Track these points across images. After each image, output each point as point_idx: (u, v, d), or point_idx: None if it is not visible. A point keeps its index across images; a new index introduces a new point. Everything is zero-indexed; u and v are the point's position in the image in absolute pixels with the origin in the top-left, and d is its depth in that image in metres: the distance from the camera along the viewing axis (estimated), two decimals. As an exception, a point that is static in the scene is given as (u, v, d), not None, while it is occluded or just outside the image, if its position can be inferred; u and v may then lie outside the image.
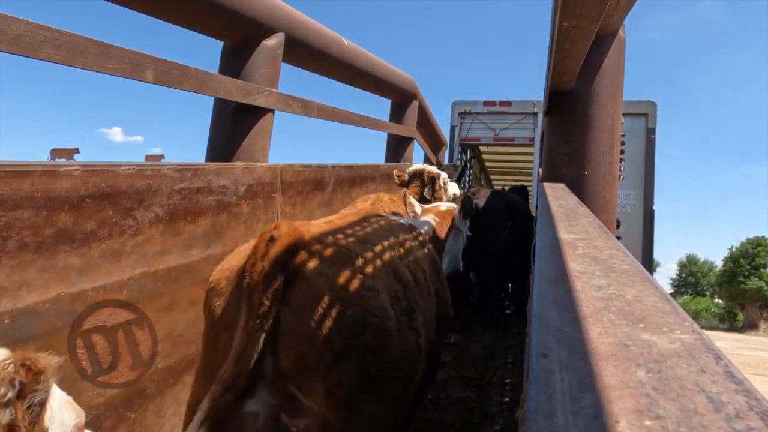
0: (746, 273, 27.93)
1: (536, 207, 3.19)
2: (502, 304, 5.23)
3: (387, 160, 5.69)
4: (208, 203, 2.26)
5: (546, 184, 2.63)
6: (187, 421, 1.39)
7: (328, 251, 1.45)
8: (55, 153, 11.35)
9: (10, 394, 0.87)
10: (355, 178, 3.97)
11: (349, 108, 4.10)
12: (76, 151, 11.46)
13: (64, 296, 1.59)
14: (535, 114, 7.75)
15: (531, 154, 8.41)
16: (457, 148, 8.24)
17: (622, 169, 6.52)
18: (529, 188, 7.85)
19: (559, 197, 2.08)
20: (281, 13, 3.01)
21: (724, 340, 17.13)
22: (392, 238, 1.84)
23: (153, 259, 1.95)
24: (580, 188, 2.82)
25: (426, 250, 2.08)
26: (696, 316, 27.30)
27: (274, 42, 2.94)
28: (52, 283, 1.56)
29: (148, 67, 2.06)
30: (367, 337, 1.36)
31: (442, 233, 3.03)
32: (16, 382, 0.88)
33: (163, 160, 4.46)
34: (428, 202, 3.78)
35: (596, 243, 1.14)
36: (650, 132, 6.93)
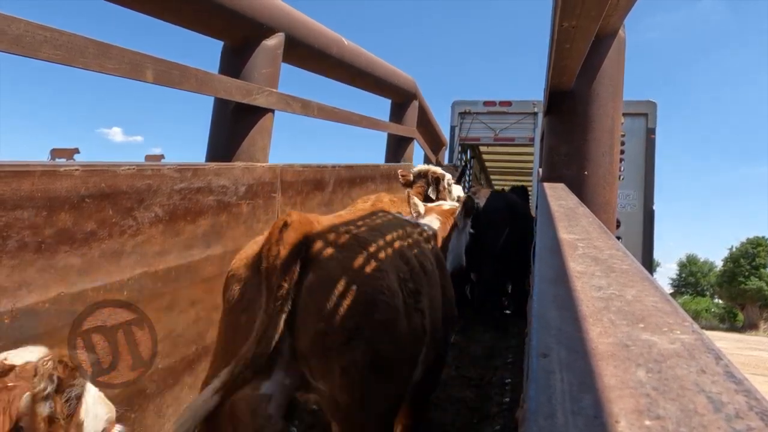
0: (746, 273, 27.92)
1: (536, 207, 3.19)
2: (502, 304, 5.22)
3: (387, 160, 5.68)
4: (208, 203, 2.26)
5: (546, 184, 2.63)
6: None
7: (339, 237, 1.52)
8: (55, 153, 11.35)
9: (49, 389, 0.92)
10: (355, 178, 3.97)
11: (349, 108, 4.11)
12: (76, 151, 11.46)
13: (64, 296, 1.59)
14: (535, 114, 7.74)
15: (531, 154, 8.41)
16: (457, 148, 8.24)
17: (622, 169, 6.52)
18: (529, 188, 7.85)
19: (559, 197, 2.08)
20: (281, 13, 3.01)
21: (724, 340, 17.12)
22: (399, 230, 1.90)
23: (153, 259, 1.95)
24: (580, 188, 2.82)
25: (431, 246, 2.13)
26: (696, 316, 27.30)
27: (274, 42, 2.94)
28: (52, 283, 1.56)
29: (148, 67, 2.06)
30: (377, 315, 1.42)
31: (445, 232, 3.08)
32: (55, 377, 0.94)
33: (163, 160, 4.46)
34: (431, 201, 3.83)
35: (596, 243, 1.14)
36: (650, 132, 6.93)
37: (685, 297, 35.95)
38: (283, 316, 1.34)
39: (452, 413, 2.89)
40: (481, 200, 4.48)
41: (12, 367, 1.02)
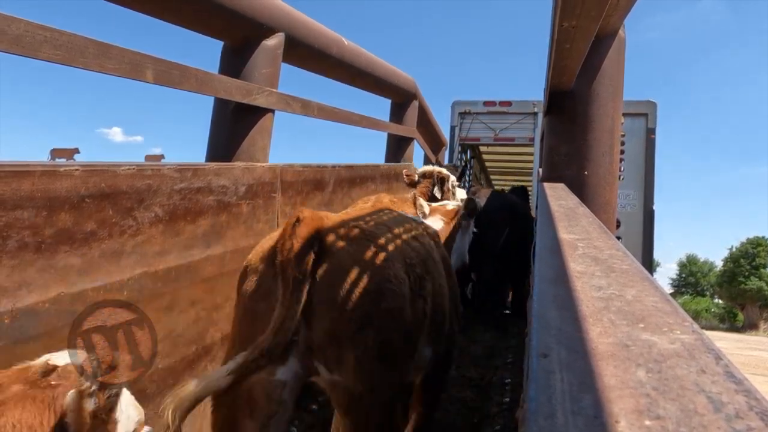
0: (746, 273, 27.93)
1: (536, 207, 3.19)
2: (502, 304, 5.23)
3: (387, 160, 5.68)
4: (208, 203, 2.26)
5: (546, 184, 2.63)
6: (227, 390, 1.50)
7: (348, 231, 1.62)
8: (55, 153, 11.35)
9: (95, 386, 1.01)
10: (355, 178, 3.97)
11: (349, 108, 4.10)
12: (76, 151, 11.46)
13: (64, 296, 1.59)
14: (535, 114, 7.74)
15: (531, 154, 8.41)
16: (457, 148, 8.24)
17: (622, 169, 6.52)
18: (529, 188, 7.85)
19: (559, 197, 2.08)
20: (281, 13, 3.01)
21: (724, 340, 17.12)
22: (405, 225, 2.00)
23: (153, 259, 1.95)
24: (580, 188, 2.82)
25: (435, 243, 2.20)
26: (696, 316, 27.30)
27: (274, 42, 2.94)
28: (52, 283, 1.56)
29: (148, 67, 2.06)
30: (385, 303, 1.50)
31: (449, 231, 3.19)
32: (99, 375, 1.04)
33: (163, 160, 4.46)
34: (435, 201, 3.94)
35: (596, 243, 1.14)
36: (650, 132, 6.93)
37: (685, 297, 35.95)
38: (299, 308, 1.41)
39: (452, 413, 2.89)
40: (481, 200, 4.50)
41: (55, 368, 1.11)
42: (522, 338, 3.61)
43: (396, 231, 1.83)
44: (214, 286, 2.31)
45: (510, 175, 12.75)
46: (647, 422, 0.42)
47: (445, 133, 8.20)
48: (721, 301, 32.61)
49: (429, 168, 4.34)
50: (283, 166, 2.90)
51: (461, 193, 4.55)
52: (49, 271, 1.55)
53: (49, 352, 1.17)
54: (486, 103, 8.07)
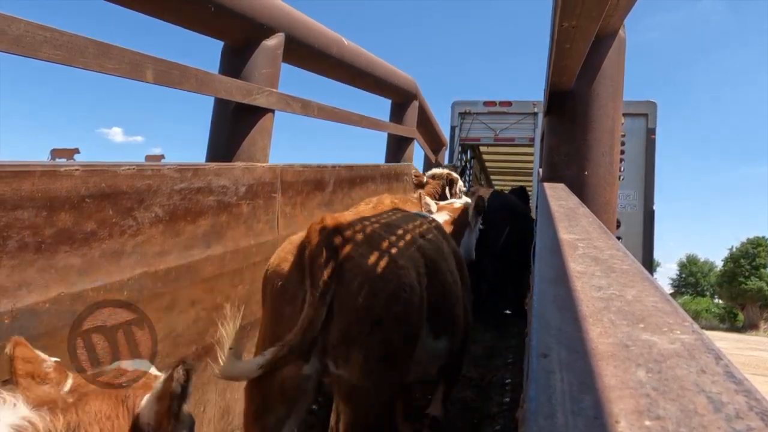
0: (746, 273, 27.92)
1: (536, 207, 3.19)
2: (502, 304, 5.23)
3: (387, 160, 5.68)
4: (208, 203, 2.26)
5: (546, 185, 2.63)
6: (259, 381, 1.66)
7: (366, 235, 1.74)
8: (55, 153, 11.35)
9: (179, 390, 1.12)
10: (355, 179, 3.97)
11: (349, 108, 4.10)
12: (77, 151, 11.45)
13: (64, 296, 1.59)
14: (535, 114, 7.74)
15: (531, 154, 8.41)
16: (458, 149, 8.24)
17: (622, 169, 6.52)
18: (529, 189, 7.85)
19: (559, 197, 2.08)
20: (281, 13, 3.01)
21: (724, 341, 17.11)
22: (420, 228, 2.15)
23: (153, 259, 1.95)
24: (580, 188, 2.82)
25: (444, 238, 2.37)
26: (696, 316, 27.28)
27: (274, 42, 2.94)
28: (52, 283, 1.56)
29: (148, 67, 2.06)
30: (396, 308, 1.62)
31: (457, 227, 3.37)
32: (183, 381, 1.13)
33: (163, 160, 4.46)
34: (444, 200, 4.16)
35: (596, 243, 1.14)
36: (650, 132, 6.92)
37: (685, 297, 35.94)
38: (325, 309, 1.54)
39: (452, 413, 2.88)
40: (481, 200, 4.50)
41: (125, 371, 1.26)
42: (522, 338, 3.61)
43: (410, 234, 1.96)
44: (214, 286, 2.31)
45: (510, 176, 12.74)
46: (647, 422, 0.42)
47: (445, 133, 8.20)
48: (721, 301, 32.60)
49: (439, 170, 4.59)
50: (283, 166, 2.90)
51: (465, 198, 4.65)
52: (50, 271, 1.55)
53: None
54: (486, 104, 8.07)
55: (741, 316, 28.48)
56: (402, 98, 5.59)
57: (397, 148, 5.71)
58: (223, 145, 2.78)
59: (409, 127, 5.73)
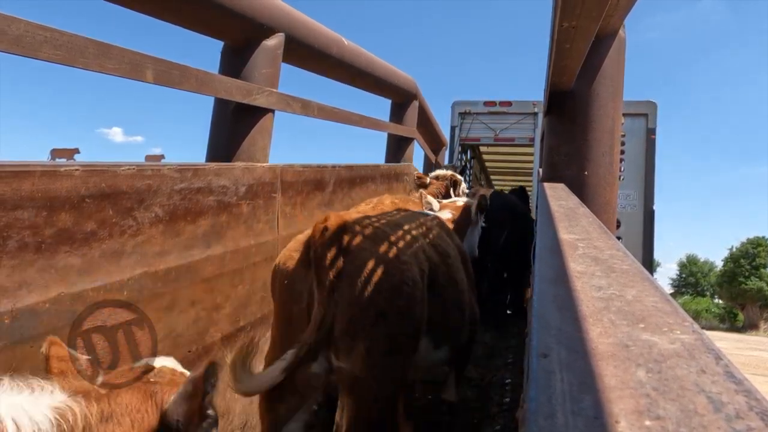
0: (746, 273, 27.91)
1: (536, 207, 3.19)
2: (503, 304, 5.23)
3: (387, 160, 5.68)
4: (208, 203, 2.26)
5: (546, 185, 2.62)
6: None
7: (369, 232, 1.78)
8: (56, 153, 11.34)
9: (210, 389, 1.20)
10: (355, 179, 3.97)
11: (349, 108, 4.10)
12: (77, 151, 11.44)
13: (64, 296, 1.59)
14: (535, 114, 7.74)
15: (531, 154, 8.40)
16: (458, 149, 8.24)
17: (622, 169, 6.52)
18: (529, 189, 7.84)
19: (559, 197, 2.08)
20: (281, 13, 3.01)
21: (724, 341, 17.11)
22: (424, 226, 2.19)
23: (153, 259, 1.95)
24: (580, 188, 2.82)
25: (447, 234, 2.42)
26: (696, 316, 27.28)
27: (274, 42, 2.94)
28: (52, 283, 1.56)
29: (148, 67, 2.06)
30: (400, 301, 1.66)
31: (461, 224, 3.44)
32: (214, 378, 1.22)
33: (163, 161, 4.46)
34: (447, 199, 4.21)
35: (596, 243, 1.14)
36: (650, 132, 6.92)
37: (685, 297, 35.93)
38: (332, 306, 1.59)
39: (452, 413, 2.88)
40: (481, 200, 4.51)
41: (152, 368, 1.33)
42: (522, 338, 3.61)
43: (414, 232, 2.00)
44: (214, 286, 2.31)
45: (510, 176, 12.74)
46: (647, 422, 0.42)
47: (445, 133, 8.20)
48: (721, 301, 32.59)
49: (443, 171, 4.67)
50: (283, 166, 2.90)
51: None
52: (50, 271, 1.55)
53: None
54: (486, 104, 8.06)
55: (741, 316, 28.48)
56: (402, 98, 5.59)
57: (397, 148, 5.71)
58: (223, 145, 2.78)
59: (409, 127, 5.73)
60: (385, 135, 5.63)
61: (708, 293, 36.87)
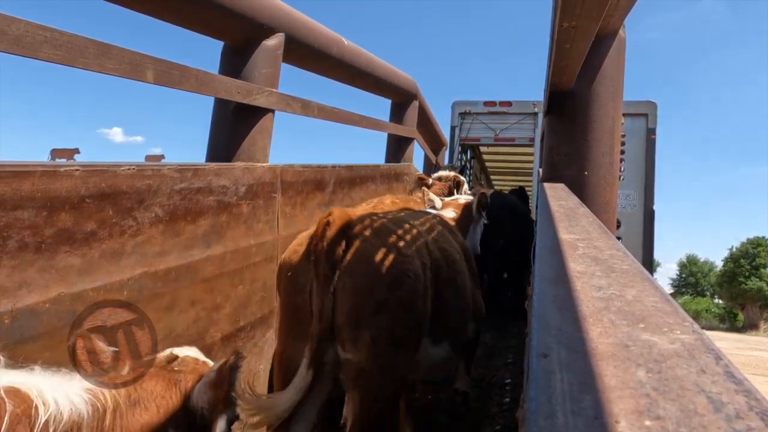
0: (746, 273, 27.91)
1: (536, 207, 3.19)
2: (502, 305, 5.23)
3: (387, 160, 5.68)
4: (208, 203, 2.26)
5: (546, 185, 2.62)
6: (280, 365, 1.88)
7: (373, 226, 1.83)
8: (56, 153, 11.35)
9: (235, 378, 1.32)
10: (355, 179, 3.97)
11: (349, 108, 4.10)
12: (77, 151, 11.46)
13: (64, 296, 1.59)
14: (536, 114, 7.74)
15: (531, 154, 8.40)
16: (458, 149, 8.23)
17: (622, 169, 6.51)
18: (529, 189, 7.84)
19: (559, 197, 2.08)
20: (281, 13, 3.01)
21: (724, 341, 17.11)
22: (424, 222, 2.24)
23: (153, 260, 1.95)
24: (580, 188, 2.82)
25: (449, 231, 2.47)
26: (696, 316, 27.27)
27: (274, 42, 2.94)
28: (52, 283, 1.56)
29: (148, 67, 2.06)
30: (401, 292, 1.71)
31: (463, 221, 3.47)
32: (239, 368, 1.34)
33: (163, 161, 4.46)
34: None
35: (596, 243, 1.14)
36: (650, 132, 6.92)
37: (685, 297, 35.93)
38: (330, 297, 1.66)
39: (452, 413, 2.88)
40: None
41: (176, 357, 1.40)
42: (522, 338, 3.61)
43: (417, 228, 2.04)
44: (214, 286, 2.31)
45: (510, 176, 12.73)
46: (647, 422, 0.42)
47: (445, 133, 8.20)
48: (721, 301, 32.58)
49: (445, 173, 4.75)
50: (283, 166, 2.90)
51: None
52: (50, 271, 1.55)
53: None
54: (486, 104, 8.06)
55: (741, 316, 28.47)
56: (402, 98, 5.59)
57: (397, 148, 5.70)
58: (223, 145, 2.78)
59: (409, 127, 5.73)
60: (385, 135, 5.62)
61: (708, 293, 36.87)
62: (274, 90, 2.95)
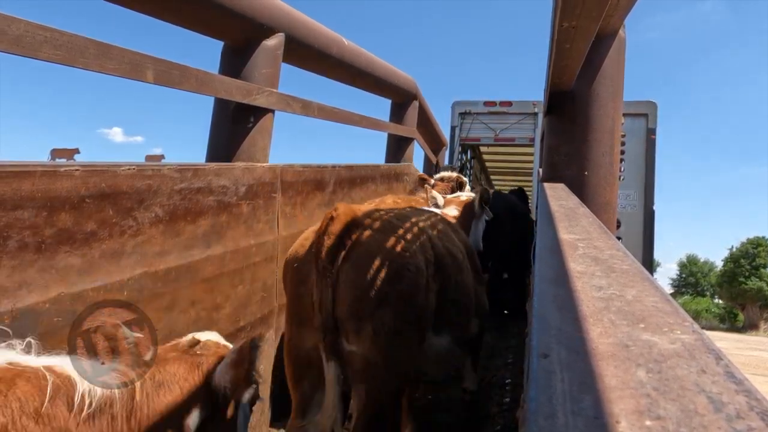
0: (747, 273, 27.90)
1: (536, 207, 3.20)
2: (503, 305, 5.23)
3: (387, 160, 5.68)
4: (208, 203, 2.26)
5: (546, 185, 2.62)
6: (288, 351, 1.96)
7: (376, 221, 1.88)
8: (56, 153, 11.35)
9: (255, 361, 1.38)
10: (355, 179, 3.97)
11: (349, 108, 4.10)
12: (77, 151, 11.45)
13: (64, 296, 1.59)
14: (536, 114, 7.74)
15: (531, 154, 8.40)
16: (458, 149, 8.23)
17: (622, 169, 6.51)
18: (529, 189, 7.84)
19: (559, 197, 2.08)
20: (281, 13, 3.01)
21: (724, 341, 17.11)
22: (429, 221, 2.29)
23: (153, 259, 1.95)
24: (580, 188, 2.81)
25: (452, 228, 2.51)
26: (696, 316, 27.27)
27: (274, 42, 2.94)
28: (52, 283, 1.56)
29: (148, 67, 2.06)
30: (402, 285, 1.74)
31: (465, 218, 3.53)
32: (258, 352, 1.40)
33: (163, 161, 4.46)
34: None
35: (596, 243, 1.14)
36: (650, 132, 6.92)
37: (686, 297, 35.93)
38: (330, 289, 1.70)
39: (452, 413, 2.88)
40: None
41: (198, 341, 1.47)
42: (522, 338, 3.61)
43: (419, 224, 2.08)
44: (214, 286, 2.31)
45: (510, 176, 12.73)
46: (648, 422, 0.42)
47: (445, 133, 8.19)
48: (721, 301, 32.58)
49: (448, 173, 4.82)
50: (283, 166, 2.90)
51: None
52: (50, 271, 1.55)
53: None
54: (486, 104, 8.06)
55: (741, 316, 28.47)
56: (402, 98, 5.58)
57: (397, 148, 5.70)
58: (223, 145, 2.78)
59: (409, 127, 5.73)
60: (385, 135, 5.62)
61: (708, 293, 36.86)
62: (274, 90, 2.95)
